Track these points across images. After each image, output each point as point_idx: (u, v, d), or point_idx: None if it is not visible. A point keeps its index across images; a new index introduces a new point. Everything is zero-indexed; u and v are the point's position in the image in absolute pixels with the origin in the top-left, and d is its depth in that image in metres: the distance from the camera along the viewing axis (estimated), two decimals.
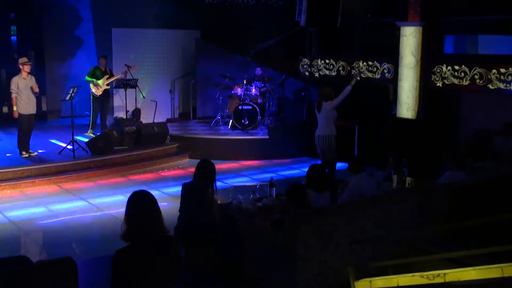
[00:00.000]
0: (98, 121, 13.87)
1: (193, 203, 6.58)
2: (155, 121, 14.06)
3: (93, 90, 13.51)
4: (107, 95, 13.76)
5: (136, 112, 14.13)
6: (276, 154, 13.30)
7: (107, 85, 13.56)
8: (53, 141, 13.13)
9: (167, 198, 9.41)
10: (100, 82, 13.44)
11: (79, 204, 9.58)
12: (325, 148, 9.95)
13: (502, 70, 10.43)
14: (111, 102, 14.71)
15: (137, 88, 13.86)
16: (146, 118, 14.49)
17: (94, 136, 12.83)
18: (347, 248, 5.64)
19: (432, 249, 5.63)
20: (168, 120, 15.42)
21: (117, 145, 12.42)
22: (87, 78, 13.53)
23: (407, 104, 11.60)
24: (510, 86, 10.41)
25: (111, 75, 13.65)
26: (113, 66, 14.44)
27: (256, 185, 9.47)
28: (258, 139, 13.39)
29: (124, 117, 13.93)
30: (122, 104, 14.29)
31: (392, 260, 5.25)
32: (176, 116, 16.26)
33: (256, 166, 12.60)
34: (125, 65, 13.74)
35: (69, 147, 11.68)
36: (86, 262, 6.67)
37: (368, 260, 5.65)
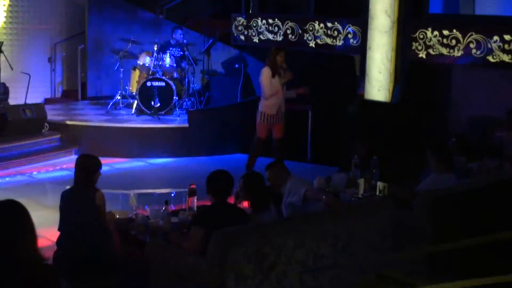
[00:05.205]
0: None
1: (78, 218, 6.52)
2: (28, 102, 13.80)
3: None
4: None
5: (0, 90, 13.82)
6: (198, 149, 13.26)
7: None
8: None
9: (44, 212, 9.25)
10: None
11: None
12: None
13: (507, 37, 10.66)
14: None
15: (1, 54, 13.57)
16: (14, 97, 14.19)
17: None
18: (296, 278, 5.66)
19: (411, 280, 5.70)
20: (47, 101, 15.23)
21: None
22: None
23: (379, 82, 11.74)
24: None
25: None
26: None
27: (171, 193, 9.41)
28: (174, 128, 13.38)
29: None
30: None
31: None
32: (58, 95, 16.07)
33: (171, 165, 12.54)
34: None
35: None
36: None
37: None
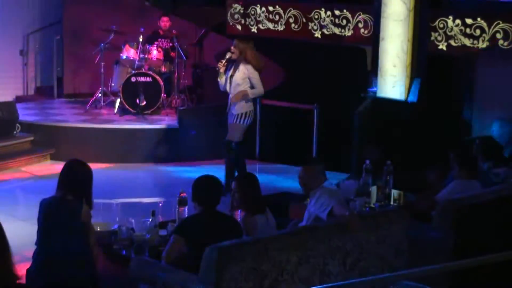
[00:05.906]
0: None
1: (59, 232, 6.49)
2: None
3: None
4: None
5: None
6: (189, 153, 13.24)
7: None
8: None
9: (17, 225, 9.25)
10: None
11: None
12: None
13: None
14: None
15: None
16: None
17: None
18: None
19: None
20: (18, 99, 15.24)
21: None
22: None
23: (393, 77, 11.74)
24: None
25: None
26: None
27: (158, 203, 9.41)
28: (162, 129, 13.39)
29: None
30: None
31: None
32: (31, 92, 16.08)
33: (159, 171, 12.53)
34: None
35: None
36: None
37: None
